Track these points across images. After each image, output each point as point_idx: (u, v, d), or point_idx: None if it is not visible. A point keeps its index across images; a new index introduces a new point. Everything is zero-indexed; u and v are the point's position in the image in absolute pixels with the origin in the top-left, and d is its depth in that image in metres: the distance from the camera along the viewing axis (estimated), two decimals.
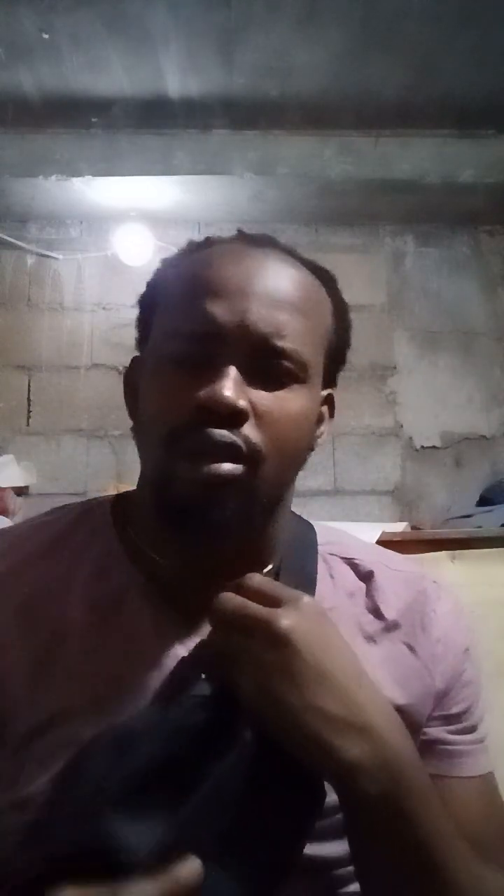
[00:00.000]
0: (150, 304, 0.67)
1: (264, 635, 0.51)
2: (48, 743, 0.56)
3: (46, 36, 1.79)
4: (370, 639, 0.65)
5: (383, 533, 1.46)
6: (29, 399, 2.40)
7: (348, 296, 0.71)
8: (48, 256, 2.46)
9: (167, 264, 0.68)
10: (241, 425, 0.57)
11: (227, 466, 0.56)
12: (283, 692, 0.50)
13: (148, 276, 0.69)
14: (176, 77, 1.96)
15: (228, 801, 0.51)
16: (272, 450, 0.58)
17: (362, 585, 0.68)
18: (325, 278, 0.68)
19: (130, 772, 0.51)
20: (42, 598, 0.63)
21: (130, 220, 2.35)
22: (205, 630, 0.59)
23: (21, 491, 2.23)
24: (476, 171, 2.23)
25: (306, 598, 0.54)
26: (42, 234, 2.48)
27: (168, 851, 0.49)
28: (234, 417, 0.56)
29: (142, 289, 0.69)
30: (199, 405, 0.56)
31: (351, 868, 0.59)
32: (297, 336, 0.60)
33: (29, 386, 2.41)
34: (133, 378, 0.67)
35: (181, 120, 2.14)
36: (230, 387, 0.56)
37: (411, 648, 0.66)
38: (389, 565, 0.71)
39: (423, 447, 2.44)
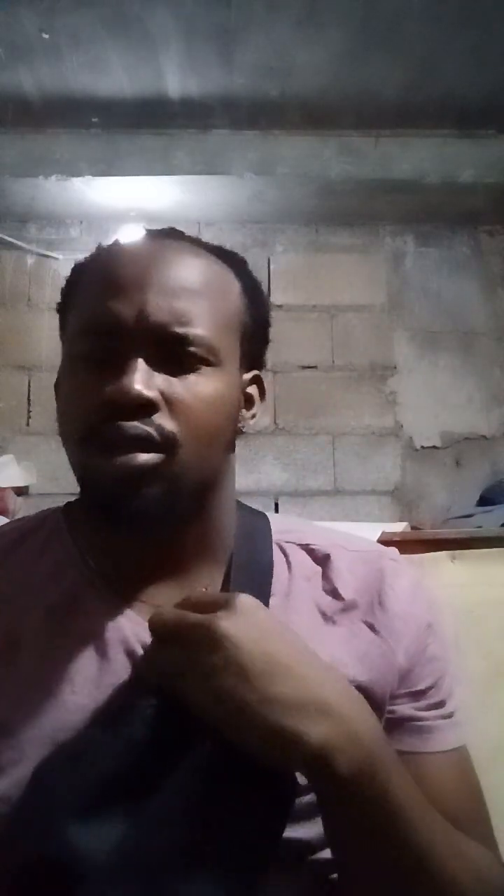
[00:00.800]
0: (63, 309, 0.69)
1: (204, 639, 0.51)
2: (6, 747, 0.56)
3: (46, 36, 1.79)
4: (329, 620, 0.66)
5: (383, 533, 1.46)
6: (29, 399, 2.40)
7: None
8: (48, 256, 2.45)
9: (75, 270, 0.69)
10: (152, 415, 0.58)
11: (142, 456, 0.57)
12: (234, 690, 0.49)
13: None
14: (176, 77, 1.96)
15: (189, 807, 0.51)
16: (188, 435, 0.59)
17: (319, 569, 0.69)
18: (233, 261, 0.69)
19: (85, 785, 0.52)
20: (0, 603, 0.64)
21: (130, 220, 2.35)
22: None
23: (21, 491, 2.23)
24: (476, 171, 2.23)
25: (241, 596, 0.54)
26: (42, 234, 2.47)
27: (129, 860, 0.49)
28: (143, 408, 0.57)
29: None
30: (106, 400, 0.57)
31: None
32: (200, 320, 0.61)
33: (29, 386, 2.40)
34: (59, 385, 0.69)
35: (181, 120, 2.14)
36: (137, 379, 0.57)
37: (370, 626, 0.66)
38: (347, 547, 0.72)
39: (423, 447, 2.44)
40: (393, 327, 2.48)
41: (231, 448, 0.67)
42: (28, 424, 2.38)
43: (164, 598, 0.63)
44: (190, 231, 0.70)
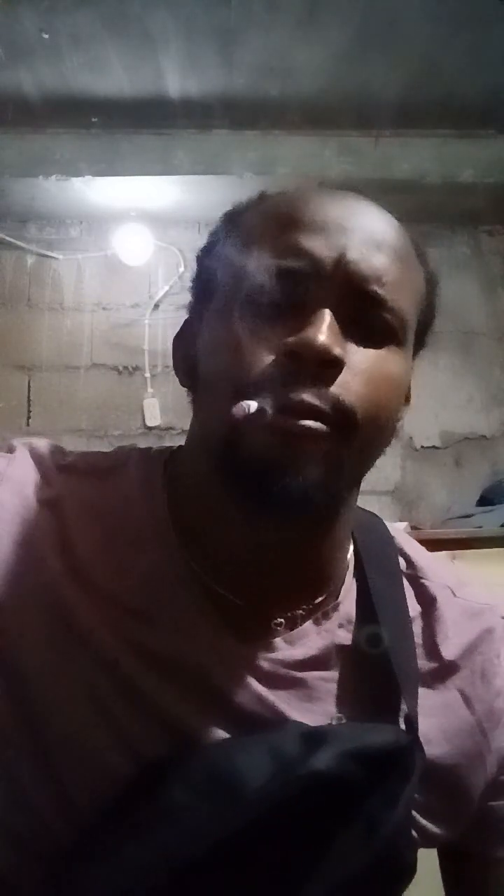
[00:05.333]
0: (217, 253, 0.57)
1: None
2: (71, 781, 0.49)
3: (46, 36, 1.79)
4: (422, 680, 0.56)
5: None
6: (29, 399, 2.40)
7: None
8: (48, 256, 2.45)
9: (238, 211, 0.58)
10: (333, 380, 0.47)
11: (312, 424, 0.46)
12: None
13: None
14: (176, 77, 1.96)
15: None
16: (368, 416, 0.48)
17: (422, 611, 0.59)
18: (419, 247, 0.58)
19: (229, 831, 0.44)
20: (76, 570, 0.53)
21: (130, 220, 2.35)
22: (253, 634, 0.52)
23: None
24: (476, 171, 2.22)
25: None
26: (42, 234, 2.47)
27: None
28: (326, 368, 0.47)
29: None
30: (287, 352, 0.47)
31: None
32: (398, 288, 0.51)
33: (29, 386, 2.41)
34: (186, 341, 0.58)
35: (181, 120, 2.13)
36: (325, 331, 0.46)
37: (466, 699, 0.56)
38: (456, 591, 0.60)
39: (423, 447, 2.44)
40: None
41: (386, 448, 0.55)
42: (28, 424, 2.38)
43: (283, 612, 0.54)
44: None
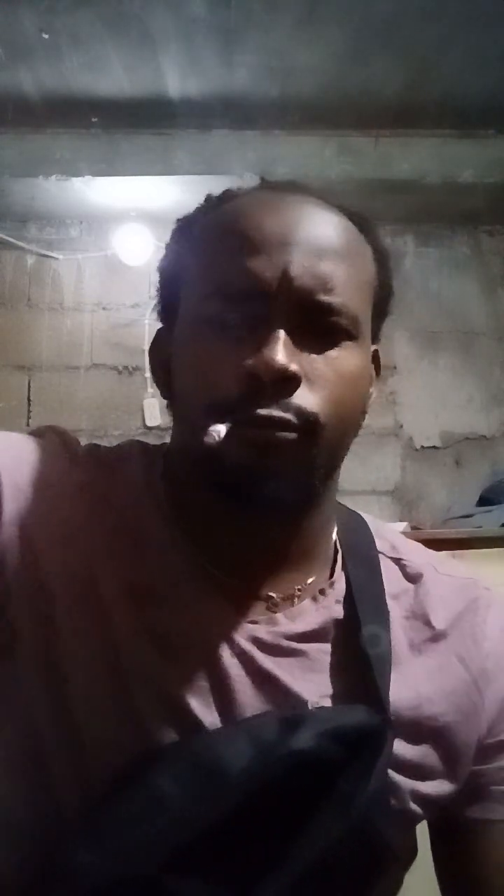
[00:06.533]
0: (175, 266, 0.61)
1: None
2: (78, 762, 0.51)
3: (46, 36, 1.79)
4: (415, 648, 0.60)
5: None
6: (29, 399, 2.40)
7: None
8: (48, 256, 2.46)
9: (189, 222, 0.61)
10: (293, 392, 0.51)
11: (280, 434, 0.50)
12: None
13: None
14: (176, 77, 1.96)
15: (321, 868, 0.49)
16: (330, 415, 0.52)
17: (409, 588, 0.63)
18: (362, 223, 0.61)
19: (216, 816, 0.46)
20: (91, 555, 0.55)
21: (130, 220, 2.35)
22: (254, 611, 0.55)
23: None
24: (476, 171, 2.23)
25: None
26: (42, 234, 2.48)
27: None
28: (285, 384, 0.50)
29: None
30: (248, 374, 0.50)
31: None
32: (345, 288, 0.54)
33: (29, 386, 2.41)
34: (161, 351, 0.61)
35: (181, 120, 2.14)
36: (279, 350, 0.50)
37: (461, 659, 0.60)
38: (438, 568, 0.65)
39: (423, 447, 2.44)
40: (393, 327, 2.48)
41: (359, 430, 0.60)
42: (28, 424, 2.38)
43: (280, 591, 0.58)
44: None
